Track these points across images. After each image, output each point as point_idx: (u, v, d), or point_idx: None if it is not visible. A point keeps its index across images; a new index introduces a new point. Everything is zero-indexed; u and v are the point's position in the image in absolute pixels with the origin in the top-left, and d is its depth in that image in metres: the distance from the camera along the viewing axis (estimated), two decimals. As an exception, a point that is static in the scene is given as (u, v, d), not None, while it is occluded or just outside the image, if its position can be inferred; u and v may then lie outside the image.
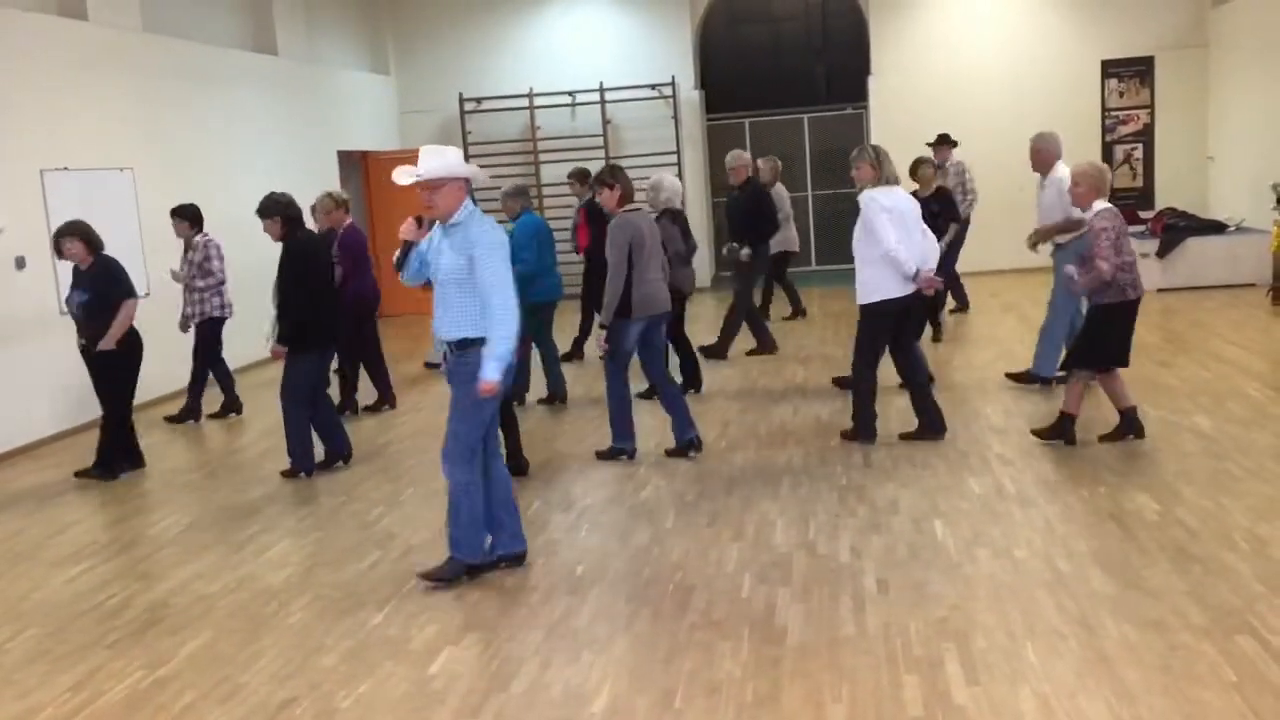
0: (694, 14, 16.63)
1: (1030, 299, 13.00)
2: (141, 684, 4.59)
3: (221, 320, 9.56)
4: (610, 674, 4.35)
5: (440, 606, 5.17)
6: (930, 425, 7.44)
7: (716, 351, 10.76)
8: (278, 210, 7.45)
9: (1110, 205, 6.90)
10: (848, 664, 4.27)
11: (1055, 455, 6.89)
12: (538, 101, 16.69)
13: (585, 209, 10.28)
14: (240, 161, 12.34)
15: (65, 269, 8.13)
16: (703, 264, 14.78)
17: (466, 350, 5.27)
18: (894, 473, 6.76)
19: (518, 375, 6.48)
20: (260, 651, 4.82)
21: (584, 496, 6.77)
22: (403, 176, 5.29)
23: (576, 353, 11.21)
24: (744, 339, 10.92)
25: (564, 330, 10.64)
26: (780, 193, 12.40)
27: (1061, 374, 8.00)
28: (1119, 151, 15.63)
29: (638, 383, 8.04)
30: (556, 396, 9.38)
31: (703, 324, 12.72)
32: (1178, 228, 13.59)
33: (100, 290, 7.66)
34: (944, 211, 10.05)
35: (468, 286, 5.22)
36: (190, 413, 9.70)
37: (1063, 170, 8.10)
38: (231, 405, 9.81)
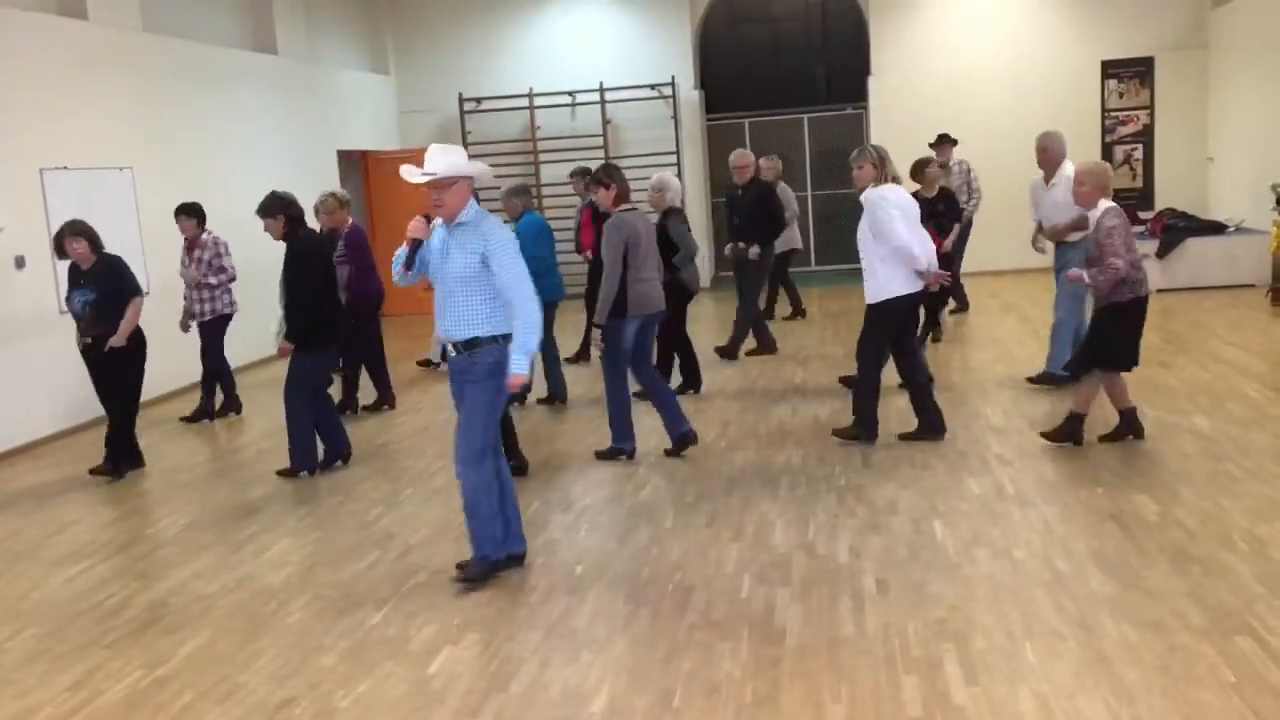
0: (694, 14, 16.63)
1: (1030, 299, 13.02)
2: (140, 683, 4.59)
3: (229, 317, 9.57)
4: (609, 674, 4.35)
5: (439, 606, 5.17)
6: (930, 426, 7.44)
7: (729, 352, 10.73)
8: (281, 209, 7.44)
9: (1114, 204, 6.94)
10: (847, 664, 4.27)
11: (1054, 456, 6.89)
12: (537, 101, 16.69)
13: (589, 208, 10.28)
14: (240, 161, 12.34)
15: (65, 268, 8.12)
16: (703, 264, 14.77)
17: (477, 349, 5.27)
18: (893, 473, 6.76)
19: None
20: (259, 651, 4.82)
21: (583, 496, 6.77)
22: (412, 175, 5.26)
23: (583, 354, 11.12)
24: (743, 339, 10.93)
25: (565, 331, 10.64)
26: (786, 192, 12.33)
27: (1064, 372, 8.00)
28: (1119, 152, 15.62)
29: (637, 383, 8.04)
30: (556, 397, 9.38)
31: (703, 324, 12.73)
32: (1177, 228, 13.58)
33: (107, 288, 7.66)
34: (948, 211, 10.03)
35: (476, 285, 5.21)
36: (204, 413, 9.70)
37: (1070, 169, 8.14)
38: (231, 405, 9.82)
